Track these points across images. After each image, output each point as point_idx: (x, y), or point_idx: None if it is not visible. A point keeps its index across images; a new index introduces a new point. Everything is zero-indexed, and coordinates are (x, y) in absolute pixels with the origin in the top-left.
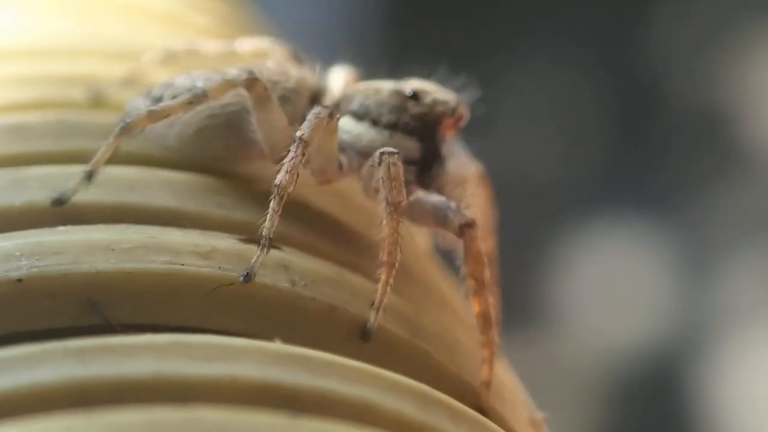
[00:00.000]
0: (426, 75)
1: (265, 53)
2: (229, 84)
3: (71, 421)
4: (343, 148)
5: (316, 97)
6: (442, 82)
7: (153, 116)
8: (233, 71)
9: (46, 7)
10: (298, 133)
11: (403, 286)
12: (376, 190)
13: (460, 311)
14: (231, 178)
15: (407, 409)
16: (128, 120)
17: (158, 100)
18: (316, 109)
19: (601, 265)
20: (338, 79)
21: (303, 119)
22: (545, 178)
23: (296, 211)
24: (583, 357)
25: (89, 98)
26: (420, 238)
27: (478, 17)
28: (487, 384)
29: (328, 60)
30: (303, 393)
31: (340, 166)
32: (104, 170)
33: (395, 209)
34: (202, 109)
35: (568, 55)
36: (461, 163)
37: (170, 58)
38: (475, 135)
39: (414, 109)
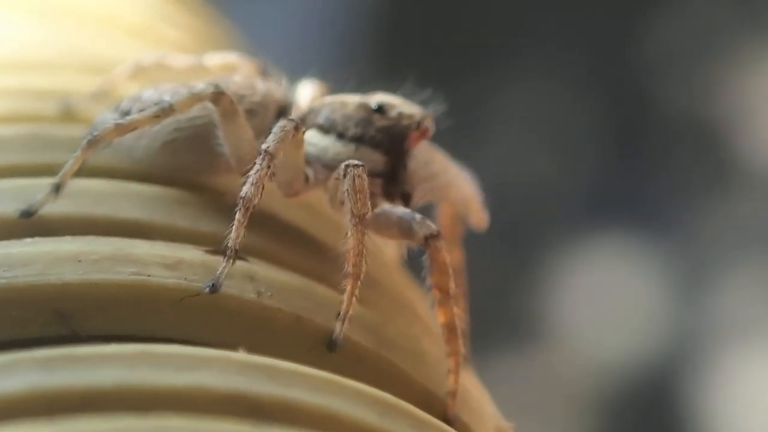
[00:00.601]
0: (396, 89)
1: (233, 67)
2: (195, 98)
3: (37, 429)
4: (309, 161)
5: (283, 111)
6: (409, 95)
7: (120, 129)
8: (200, 85)
9: (19, 19)
10: (264, 146)
11: (370, 297)
12: (342, 203)
13: (428, 322)
14: (198, 190)
15: (370, 418)
16: (95, 133)
17: (126, 113)
18: (281, 122)
19: (596, 279)
20: (306, 93)
21: (269, 132)
22: (540, 191)
23: (263, 222)
24: (577, 371)
25: (60, 111)
26: (389, 249)
27: (473, 29)
28: (453, 394)
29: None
30: (267, 402)
31: (307, 179)
32: (73, 182)
33: (360, 221)
34: (169, 122)
35: (564, 68)
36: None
37: (140, 71)
38: (469, 149)
39: (379, 122)
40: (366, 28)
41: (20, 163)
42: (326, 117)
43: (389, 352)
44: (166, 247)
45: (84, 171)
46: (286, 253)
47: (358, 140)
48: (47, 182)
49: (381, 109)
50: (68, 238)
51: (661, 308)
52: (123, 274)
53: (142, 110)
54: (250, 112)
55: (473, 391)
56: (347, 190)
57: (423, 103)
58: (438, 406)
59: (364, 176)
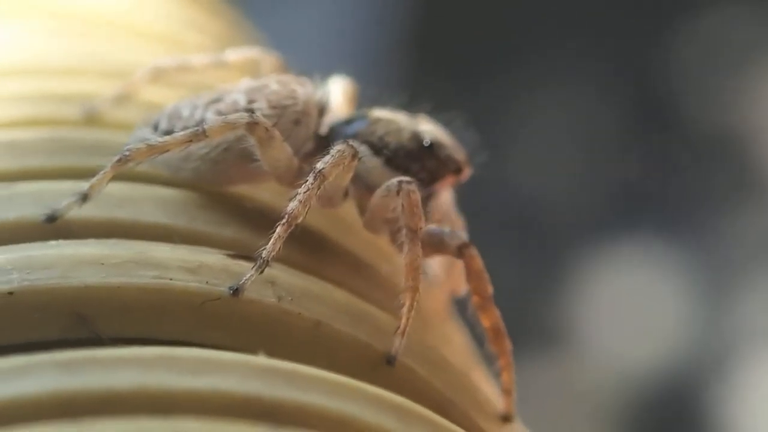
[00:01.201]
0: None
1: (254, 62)
2: (229, 126)
3: (57, 431)
4: (353, 177)
5: (322, 111)
6: (453, 129)
7: (152, 150)
8: (234, 115)
9: (43, 26)
10: (319, 165)
11: (388, 303)
12: (387, 221)
13: (448, 332)
14: (219, 195)
15: (388, 423)
16: (127, 152)
17: (167, 133)
18: (341, 147)
19: (619, 286)
20: (337, 91)
21: (315, 138)
22: (564, 196)
23: None
24: (599, 378)
25: (82, 116)
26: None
27: (500, 35)
28: (508, 392)
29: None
30: (284, 406)
31: (345, 194)
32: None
33: (415, 235)
34: (218, 143)
35: (590, 75)
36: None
37: (160, 74)
38: (495, 153)
39: (428, 160)
40: (394, 34)
41: (42, 167)
42: (380, 137)
43: (408, 359)
44: (188, 251)
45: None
46: (306, 259)
47: (404, 171)
48: (69, 185)
49: (432, 148)
50: (91, 242)
51: (685, 316)
52: (145, 278)
53: (184, 128)
54: (296, 122)
55: (490, 395)
56: (402, 204)
57: (457, 129)
58: (455, 412)
59: (417, 192)
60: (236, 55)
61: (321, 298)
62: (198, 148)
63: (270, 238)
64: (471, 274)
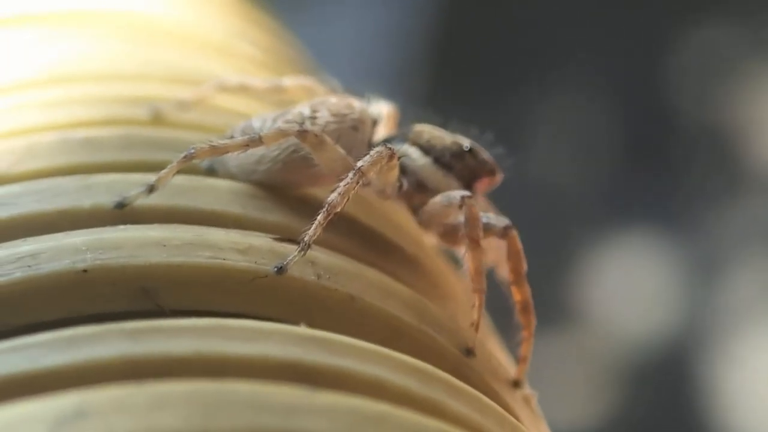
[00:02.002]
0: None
1: (309, 89)
2: (281, 134)
3: (123, 391)
4: (407, 172)
5: (375, 123)
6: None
7: (213, 150)
8: (285, 125)
9: (112, 36)
10: (359, 163)
11: (414, 280)
12: (443, 225)
13: (464, 301)
14: (268, 187)
15: (411, 385)
16: (192, 150)
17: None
18: (379, 147)
19: (622, 270)
20: (383, 111)
21: (369, 145)
22: (571, 192)
23: None
24: (604, 350)
25: (150, 116)
26: (429, 238)
27: (516, 50)
28: (525, 360)
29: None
30: (321, 370)
31: (401, 187)
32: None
33: (477, 244)
34: (287, 145)
35: (593, 84)
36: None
37: (223, 90)
38: (511, 153)
39: (470, 160)
40: (417, 50)
41: (115, 161)
42: (427, 141)
43: (429, 327)
44: (239, 234)
45: (166, 166)
46: (342, 242)
47: (449, 168)
48: (138, 177)
49: (472, 151)
50: (155, 226)
51: (678, 295)
52: (201, 257)
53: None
54: (354, 128)
55: (502, 361)
56: (466, 217)
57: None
58: (471, 374)
59: (477, 206)
60: (293, 81)
61: (355, 275)
62: (269, 151)
63: (312, 224)
64: (511, 253)
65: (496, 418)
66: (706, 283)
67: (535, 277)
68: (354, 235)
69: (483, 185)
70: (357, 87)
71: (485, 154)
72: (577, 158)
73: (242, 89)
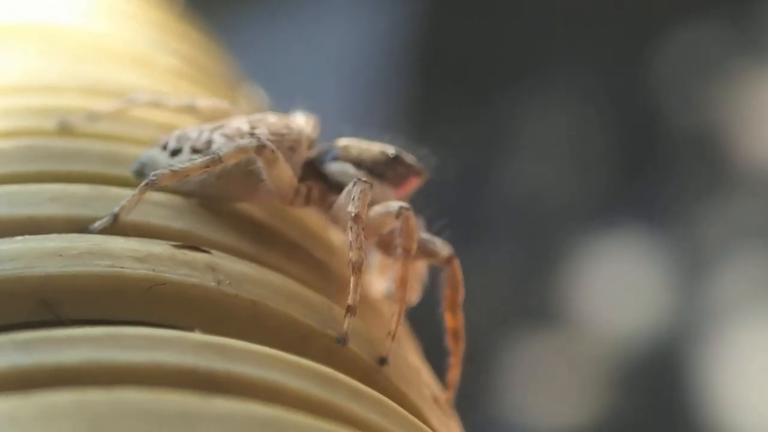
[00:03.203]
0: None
1: (224, 112)
2: (241, 151)
3: (9, 403)
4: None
5: (311, 144)
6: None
7: (175, 175)
8: (244, 140)
9: (27, 49)
10: (353, 212)
11: (319, 283)
12: (377, 236)
13: (378, 306)
14: (172, 194)
15: (310, 388)
16: (153, 178)
17: (175, 151)
18: (359, 185)
19: (609, 270)
20: (308, 124)
21: (305, 165)
22: (560, 193)
23: (228, 219)
24: (593, 349)
25: (58, 128)
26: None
27: (502, 55)
28: (452, 386)
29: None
30: (217, 376)
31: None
32: (61, 187)
33: (409, 254)
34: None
35: (582, 87)
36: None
37: (133, 107)
38: (501, 157)
39: (397, 166)
40: (402, 55)
41: (17, 172)
42: (357, 155)
43: (334, 331)
44: (138, 242)
45: (72, 176)
46: (247, 248)
47: (382, 177)
48: (39, 188)
49: (397, 157)
50: (53, 236)
51: (666, 294)
52: (100, 266)
53: (192, 148)
54: (291, 149)
55: (411, 363)
56: (402, 228)
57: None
58: (382, 381)
59: (414, 218)
60: (207, 103)
61: (258, 281)
62: (200, 175)
63: (349, 291)
64: (452, 282)
65: (401, 421)
66: (693, 283)
67: (522, 278)
68: (261, 240)
69: (410, 186)
70: (340, 95)
71: (409, 158)
72: (564, 159)
73: (154, 106)
